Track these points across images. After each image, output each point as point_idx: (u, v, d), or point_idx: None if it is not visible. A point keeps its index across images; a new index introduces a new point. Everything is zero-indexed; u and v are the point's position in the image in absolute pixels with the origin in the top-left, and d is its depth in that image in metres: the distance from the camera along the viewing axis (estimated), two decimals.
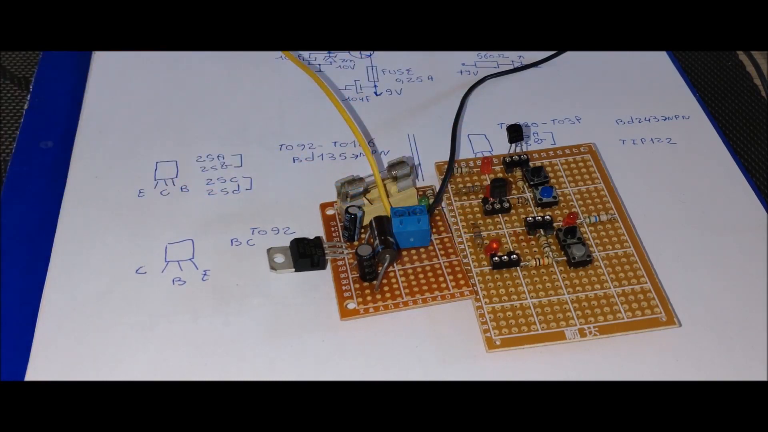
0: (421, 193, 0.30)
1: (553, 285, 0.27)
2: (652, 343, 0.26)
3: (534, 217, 0.29)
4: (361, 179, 0.29)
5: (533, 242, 0.28)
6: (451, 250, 0.28)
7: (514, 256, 0.27)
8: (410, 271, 0.28)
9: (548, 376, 0.25)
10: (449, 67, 0.38)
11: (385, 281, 0.27)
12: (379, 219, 0.28)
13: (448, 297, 0.27)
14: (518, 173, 0.31)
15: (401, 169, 0.29)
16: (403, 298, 0.27)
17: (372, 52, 0.39)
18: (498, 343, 0.25)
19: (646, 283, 0.27)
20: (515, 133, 0.31)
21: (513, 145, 0.31)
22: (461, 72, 0.37)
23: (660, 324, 0.26)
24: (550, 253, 0.28)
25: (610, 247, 0.28)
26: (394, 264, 0.28)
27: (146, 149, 0.33)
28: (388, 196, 0.29)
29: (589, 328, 0.26)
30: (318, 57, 0.38)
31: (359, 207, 0.28)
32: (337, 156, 0.33)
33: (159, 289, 0.28)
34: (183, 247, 0.29)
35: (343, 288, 0.27)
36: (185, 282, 0.28)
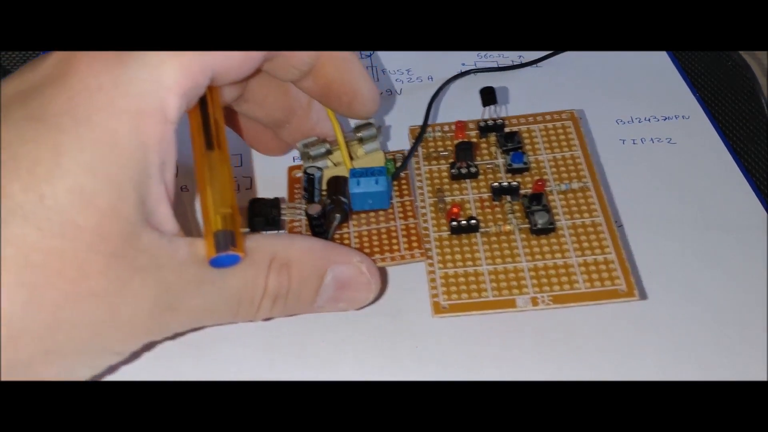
0: (390, 156, 0.30)
1: (512, 252, 0.26)
2: (651, 342, 0.26)
3: (500, 183, 0.28)
4: (324, 140, 0.28)
5: (498, 209, 0.28)
6: (410, 214, 0.28)
7: (474, 221, 0.27)
8: (365, 232, 0.27)
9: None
10: (449, 67, 0.38)
11: (339, 242, 0.27)
12: (334, 179, 0.27)
13: (398, 259, 0.26)
14: (492, 138, 0.30)
15: (367, 131, 0.29)
16: None
17: (372, 52, 0.39)
18: (445, 307, 0.25)
19: (611, 253, 0.26)
20: (488, 95, 0.30)
21: (487, 109, 0.31)
22: (461, 72, 0.37)
23: (619, 296, 0.25)
24: (514, 219, 0.27)
25: (578, 216, 0.27)
26: (350, 225, 0.27)
27: None
28: (352, 159, 0.28)
29: (542, 297, 0.25)
30: None
31: (319, 168, 0.28)
32: None
33: None
34: None
35: None
36: None
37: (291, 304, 0.24)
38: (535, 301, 0.25)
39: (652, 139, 0.34)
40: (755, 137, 0.35)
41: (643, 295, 0.27)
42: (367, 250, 0.27)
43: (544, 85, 0.37)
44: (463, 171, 0.29)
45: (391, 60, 0.38)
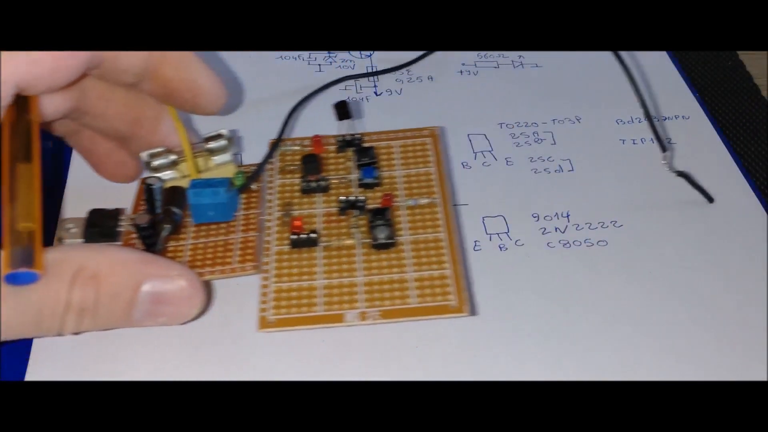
0: (245, 168, 0.29)
1: (350, 267, 0.26)
2: (651, 342, 0.26)
3: (347, 198, 0.27)
4: (170, 151, 0.28)
5: (344, 223, 0.27)
6: (253, 227, 0.27)
7: (314, 235, 0.26)
8: (201, 245, 0.26)
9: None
10: (449, 67, 0.38)
11: (172, 254, 0.26)
12: (171, 189, 0.27)
13: (228, 272, 0.26)
14: (350, 153, 0.30)
15: (217, 142, 0.28)
16: None
17: (372, 52, 0.39)
18: (272, 321, 0.24)
19: (447, 269, 0.26)
20: (342, 110, 0.30)
21: (345, 123, 0.30)
22: (461, 72, 0.37)
23: (448, 311, 0.24)
24: (357, 234, 0.27)
25: (422, 231, 0.27)
26: (188, 237, 0.27)
27: None
28: (201, 171, 0.28)
29: (372, 312, 0.25)
30: (318, 57, 0.38)
31: (160, 179, 0.27)
32: None
33: None
34: None
35: None
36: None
37: (102, 318, 0.23)
38: (363, 316, 0.25)
39: (652, 139, 0.34)
40: (755, 137, 0.35)
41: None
42: (198, 263, 0.26)
43: (544, 85, 0.37)
44: (314, 185, 0.28)
45: (391, 60, 0.38)
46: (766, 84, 0.38)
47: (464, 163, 0.33)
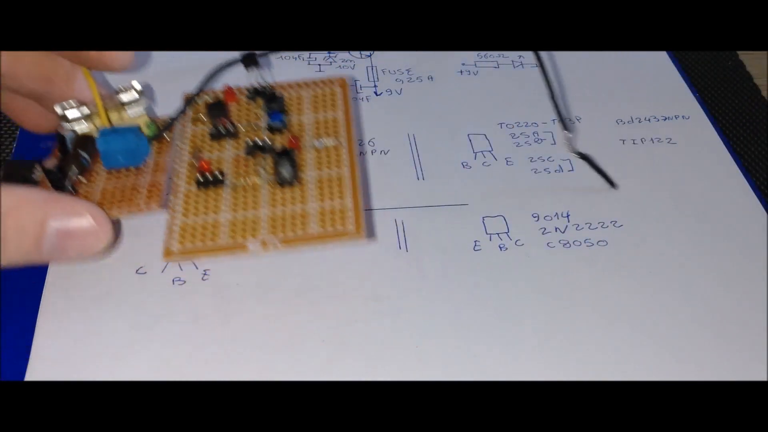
0: (159, 119, 0.30)
1: (255, 203, 0.27)
2: (651, 343, 0.26)
3: (254, 141, 0.28)
4: (84, 103, 0.29)
5: (251, 164, 0.28)
6: (162, 171, 0.28)
7: (220, 175, 0.27)
8: (111, 187, 0.27)
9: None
10: (449, 67, 0.38)
11: (83, 196, 0.27)
12: (83, 138, 0.28)
13: (134, 209, 0.27)
14: (260, 102, 0.31)
15: (128, 94, 0.29)
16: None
17: (372, 52, 0.39)
18: (175, 250, 0.25)
19: (348, 201, 0.26)
20: (249, 60, 0.30)
21: (253, 73, 0.30)
22: (461, 72, 0.37)
23: (346, 235, 0.25)
24: (263, 173, 0.28)
25: (326, 169, 0.28)
26: (97, 181, 0.28)
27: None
28: (111, 123, 0.29)
29: (272, 240, 0.25)
30: (318, 57, 0.38)
31: (74, 130, 0.28)
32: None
33: (159, 289, 0.28)
34: None
35: None
36: (185, 282, 0.28)
37: (11, 252, 0.24)
38: (264, 244, 0.25)
39: (652, 139, 0.34)
40: (755, 137, 0.35)
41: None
42: (107, 203, 0.27)
43: (543, 85, 0.37)
44: (223, 131, 0.29)
45: (391, 60, 0.38)
46: (766, 84, 0.38)
47: (464, 163, 0.33)
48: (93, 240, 0.25)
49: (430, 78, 0.37)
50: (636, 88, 0.36)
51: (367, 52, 0.39)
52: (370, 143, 0.34)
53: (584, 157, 0.31)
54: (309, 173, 0.27)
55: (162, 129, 0.29)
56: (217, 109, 0.29)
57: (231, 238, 0.25)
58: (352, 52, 0.39)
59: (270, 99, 0.30)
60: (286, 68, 0.37)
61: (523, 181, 0.32)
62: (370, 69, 0.38)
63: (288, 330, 0.26)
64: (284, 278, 0.28)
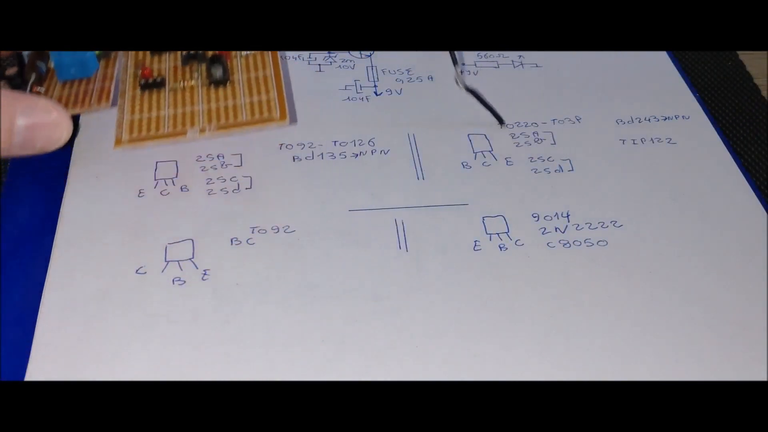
0: None
1: (192, 101, 0.30)
2: (651, 343, 0.26)
3: (189, 51, 0.32)
4: None
5: (188, 71, 0.32)
6: (110, 79, 0.31)
7: (161, 79, 0.31)
8: (65, 93, 0.30)
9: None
10: (449, 67, 0.38)
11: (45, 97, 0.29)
12: (38, 53, 0.31)
13: (87, 106, 0.30)
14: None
15: None
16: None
17: (372, 52, 0.39)
18: (124, 140, 0.29)
19: (273, 93, 0.30)
20: None
21: None
22: (461, 72, 0.37)
23: (272, 120, 0.29)
24: (198, 76, 0.31)
25: (254, 72, 0.31)
26: (52, 92, 0.30)
27: (146, 149, 0.33)
28: None
29: (209, 126, 0.29)
30: (318, 57, 0.38)
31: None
32: (337, 155, 0.33)
33: (159, 289, 0.28)
34: (183, 247, 0.29)
35: None
36: (185, 282, 0.28)
37: None
38: (203, 130, 0.29)
39: (652, 139, 0.34)
40: (755, 137, 0.35)
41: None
42: (65, 104, 0.30)
43: (544, 85, 0.37)
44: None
45: (391, 60, 0.38)
46: (766, 84, 0.38)
47: (464, 163, 0.33)
48: (57, 129, 0.27)
49: (430, 78, 0.37)
50: (636, 88, 0.36)
51: (367, 52, 0.39)
52: (370, 143, 0.34)
53: (472, 92, 0.33)
54: (239, 76, 0.31)
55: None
56: None
57: (173, 129, 0.29)
58: (352, 52, 0.39)
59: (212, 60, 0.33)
60: (286, 68, 0.37)
61: (523, 181, 0.32)
62: (370, 69, 0.38)
63: (288, 330, 0.26)
64: (284, 278, 0.28)
